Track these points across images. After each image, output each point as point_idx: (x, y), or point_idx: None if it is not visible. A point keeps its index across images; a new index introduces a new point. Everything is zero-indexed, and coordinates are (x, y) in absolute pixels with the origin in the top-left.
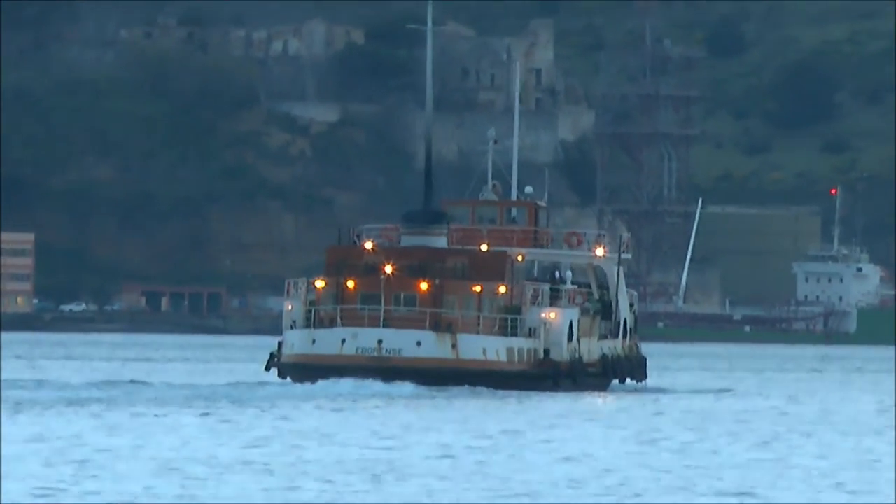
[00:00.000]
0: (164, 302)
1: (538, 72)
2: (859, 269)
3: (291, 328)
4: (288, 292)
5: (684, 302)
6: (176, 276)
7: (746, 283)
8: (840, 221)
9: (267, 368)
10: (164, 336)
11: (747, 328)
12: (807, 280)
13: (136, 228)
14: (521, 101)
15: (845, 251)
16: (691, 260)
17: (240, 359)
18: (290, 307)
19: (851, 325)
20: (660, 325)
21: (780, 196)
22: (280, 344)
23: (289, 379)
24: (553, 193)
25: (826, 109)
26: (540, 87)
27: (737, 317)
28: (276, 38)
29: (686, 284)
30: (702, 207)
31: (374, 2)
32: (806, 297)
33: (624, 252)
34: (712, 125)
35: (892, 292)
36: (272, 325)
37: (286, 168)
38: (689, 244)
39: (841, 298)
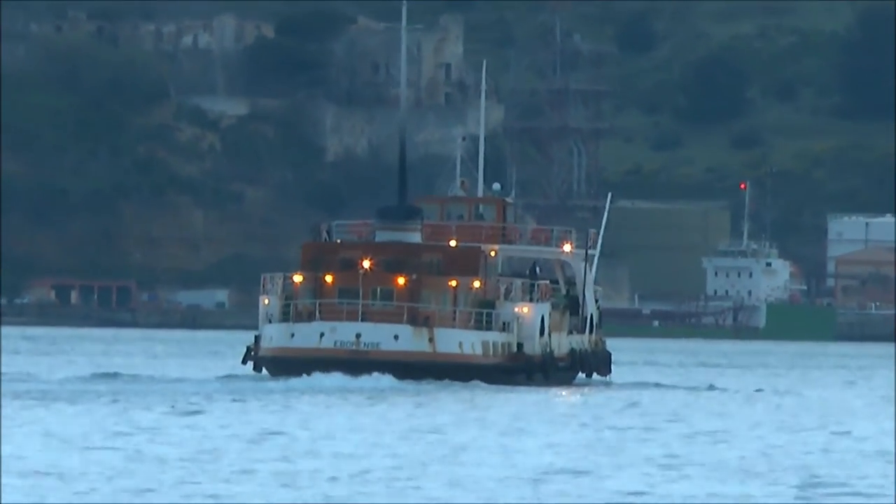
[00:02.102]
0: (74, 295)
1: (448, 66)
2: (768, 264)
3: (268, 322)
4: (264, 287)
5: None
6: (86, 270)
7: (656, 278)
8: (749, 216)
9: (244, 362)
10: (75, 329)
11: (656, 323)
12: (716, 275)
13: (46, 222)
14: (430, 95)
15: (755, 246)
16: (600, 254)
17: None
18: (266, 301)
19: (760, 320)
20: None
21: (689, 191)
22: (257, 338)
23: (265, 372)
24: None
25: (736, 105)
26: (450, 81)
27: (646, 311)
28: (186, 33)
29: (595, 279)
30: (611, 202)
31: None
32: (715, 291)
33: (591, 248)
34: (622, 120)
35: (802, 287)
36: (181, 319)
37: (196, 162)
38: (598, 239)
39: (750, 293)
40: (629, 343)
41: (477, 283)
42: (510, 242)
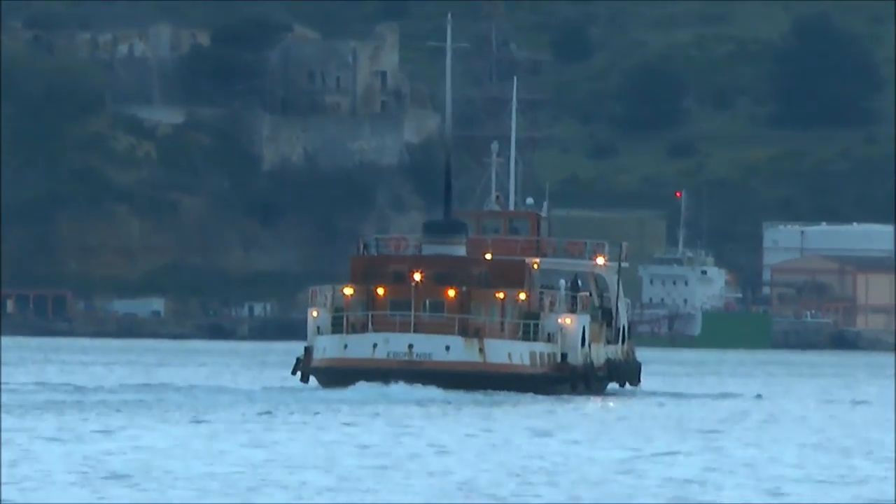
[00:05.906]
0: (10, 304)
1: (384, 75)
2: (704, 272)
3: (318, 334)
4: (313, 299)
5: None
6: (21, 279)
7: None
8: (685, 225)
9: (293, 372)
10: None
11: None
12: (651, 283)
13: None
14: (365, 103)
15: (690, 254)
16: None
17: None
18: (315, 313)
19: (696, 328)
20: None
21: (625, 199)
22: (307, 349)
23: (315, 382)
24: (399, 197)
25: (672, 113)
26: (385, 89)
27: None
28: (121, 41)
29: None
30: (547, 211)
31: (220, 5)
32: (651, 299)
33: (623, 261)
34: (558, 129)
35: (737, 295)
36: (117, 328)
37: (132, 171)
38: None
39: (686, 301)
40: None
41: (523, 295)
42: (544, 255)
